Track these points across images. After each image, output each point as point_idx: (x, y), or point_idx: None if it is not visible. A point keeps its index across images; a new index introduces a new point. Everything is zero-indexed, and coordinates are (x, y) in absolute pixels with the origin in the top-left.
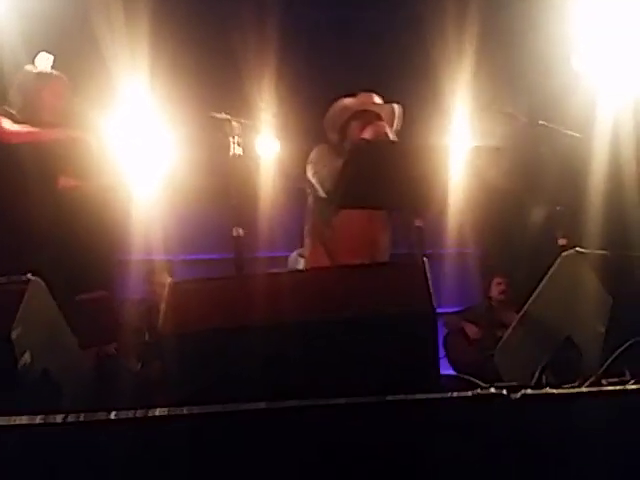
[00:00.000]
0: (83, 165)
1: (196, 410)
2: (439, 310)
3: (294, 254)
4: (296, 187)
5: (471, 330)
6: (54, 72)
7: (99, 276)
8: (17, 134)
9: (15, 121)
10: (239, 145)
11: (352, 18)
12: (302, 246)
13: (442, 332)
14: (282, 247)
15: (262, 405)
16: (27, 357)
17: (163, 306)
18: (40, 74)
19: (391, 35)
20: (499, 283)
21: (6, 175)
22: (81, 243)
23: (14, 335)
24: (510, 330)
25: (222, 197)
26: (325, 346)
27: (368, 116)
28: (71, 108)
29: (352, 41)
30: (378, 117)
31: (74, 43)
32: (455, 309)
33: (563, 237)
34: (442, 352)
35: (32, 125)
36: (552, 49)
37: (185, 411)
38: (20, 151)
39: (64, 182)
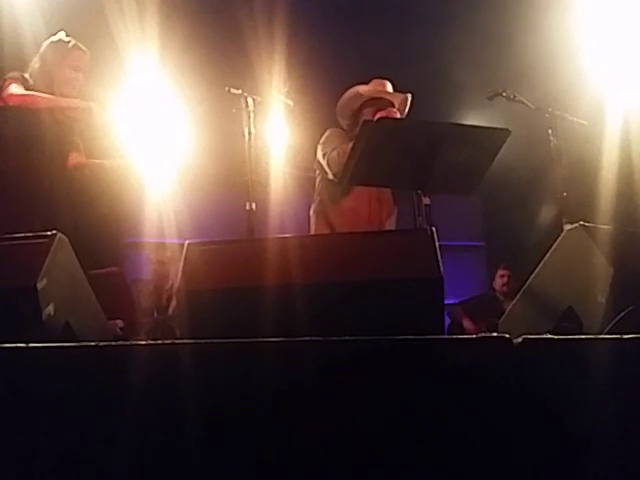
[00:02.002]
0: (94, 141)
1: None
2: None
3: None
4: (305, 175)
5: (468, 325)
6: (76, 44)
7: (108, 256)
8: (19, 97)
9: (29, 88)
10: (252, 123)
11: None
12: (309, 230)
13: (446, 322)
14: (291, 231)
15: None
16: (51, 309)
17: (180, 265)
18: (61, 44)
19: (403, 20)
20: (502, 275)
21: (18, 147)
22: (90, 221)
23: (39, 286)
24: (514, 302)
25: (235, 174)
26: (333, 309)
27: (381, 103)
28: (88, 82)
29: (365, 24)
30: (391, 105)
31: (85, 21)
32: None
33: (569, 223)
34: None
35: (49, 94)
36: (564, 39)
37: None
38: (33, 123)
39: (75, 158)
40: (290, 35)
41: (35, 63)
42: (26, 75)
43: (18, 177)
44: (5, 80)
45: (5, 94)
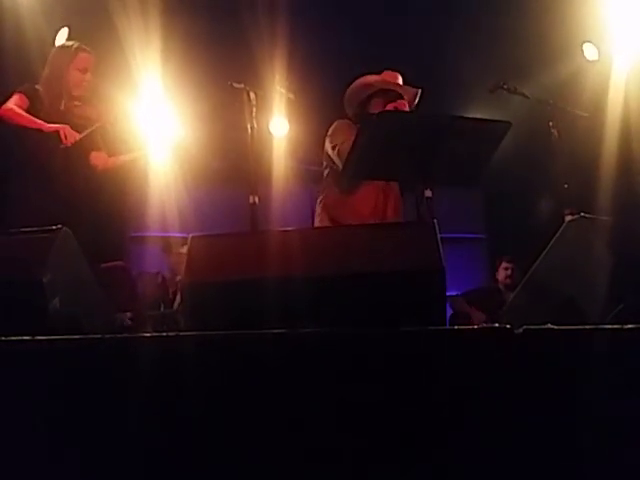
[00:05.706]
0: (113, 142)
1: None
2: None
3: None
4: (307, 168)
5: (477, 317)
6: (81, 46)
7: (113, 249)
8: (14, 115)
9: (38, 97)
10: (254, 117)
11: None
12: (313, 224)
13: (448, 313)
14: (294, 224)
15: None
16: (56, 302)
17: (186, 258)
18: (66, 49)
19: (404, 14)
20: (506, 267)
21: (45, 147)
22: (95, 215)
23: (45, 280)
24: (515, 293)
25: (238, 168)
26: (335, 301)
27: (390, 95)
28: (97, 81)
29: (366, 19)
30: (400, 97)
31: (87, 18)
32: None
33: (570, 214)
34: None
35: (60, 99)
36: (567, 32)
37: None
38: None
39: (96, 157)
40: (291, 30)
41: (45, 71)
42: (37, 86)
43: (33, 174)
44: (13, 93)
45: (4, 106)
